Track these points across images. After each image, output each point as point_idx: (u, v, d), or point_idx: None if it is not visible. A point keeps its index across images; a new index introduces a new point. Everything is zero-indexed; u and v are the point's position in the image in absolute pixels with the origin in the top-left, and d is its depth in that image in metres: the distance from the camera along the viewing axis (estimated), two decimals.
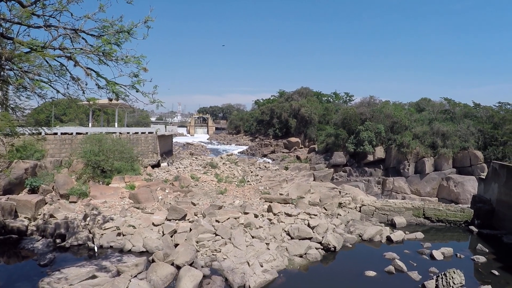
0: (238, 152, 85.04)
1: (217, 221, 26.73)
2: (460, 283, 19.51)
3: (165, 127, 68.37)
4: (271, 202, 31.82)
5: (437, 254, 24.52)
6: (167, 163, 55.79)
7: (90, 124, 59.08)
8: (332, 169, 57.87)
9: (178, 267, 19.63)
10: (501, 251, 26.20)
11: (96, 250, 22.74)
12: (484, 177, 35.09)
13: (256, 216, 28.74)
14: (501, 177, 31.08)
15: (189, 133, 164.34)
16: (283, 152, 77.04)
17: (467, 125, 55.72)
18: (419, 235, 28.54)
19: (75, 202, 29.91)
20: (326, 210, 32.16)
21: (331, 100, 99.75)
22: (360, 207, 33.53)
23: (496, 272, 22.25)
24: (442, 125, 55.32)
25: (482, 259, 24.38)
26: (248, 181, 42.55)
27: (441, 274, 20.13)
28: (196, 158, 61.13)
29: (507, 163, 35.09)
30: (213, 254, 21.92)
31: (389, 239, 27.50)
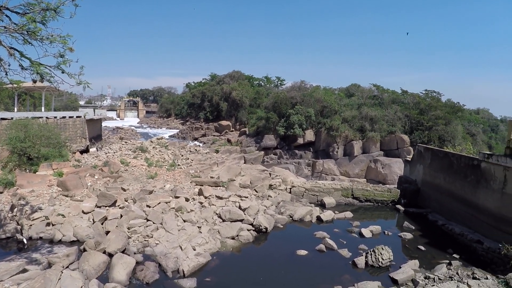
0: (169, 136, 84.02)
1: (148, 206, 25.95)
2: (389, 258, 20.08)
3: (94, 111, 66.08)
4: (202, 186, 31.32)
5: (366, 232, 24.95)
6: (96, 148, 53.99)
7: (15, 109, 56.43)
8: (262, 152, 57.91)
9: (110, 255, 18.82)
10: (426, 228, 27.11)
11: (25, 242, 21.24)
12: (410, 159, 36.04)
13: (187, 199, 28.18)
14: (425, 159, 32.06)
15: (119, 117, 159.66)
16: (214, 136, 76.42)
17: (395, 111, 57.58)
18: (348, 214, 28.99)
19: (1, 193, 27.84)
20: (257, 192, 32.01)
21: (262, 84, 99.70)
22: (290, 188, 33.69)
23: (422, 248, 23.00)
24: (371, 110, 56.71)
25: (408, 235, 25.07)
26: (178, 165, 41.81)
27: (370, 251, 20.57)
28: (125, 142, 59.30)
29: (432, 147, 36.30)
30: (145, 240, 21.26)
31: (319, 219, 27.71)
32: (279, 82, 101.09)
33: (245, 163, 50.68)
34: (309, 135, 57.69)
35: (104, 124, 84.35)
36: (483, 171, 24.71)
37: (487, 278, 17.33)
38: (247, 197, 29.73)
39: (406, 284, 17.86)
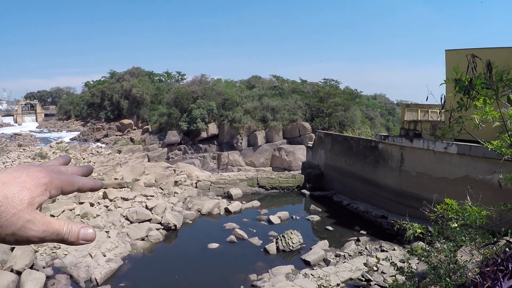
0: (70, 139, 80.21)
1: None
2: (299, 242, 20.48)
3: None
4: (106, 188, 30.07)
5: (274, 219, 25.21)
6: None
7: None
8: (166, 149, 56.78)
9: (19, 273, 17.41)
10: (333, 209, 27.89)
11: None
12: (311, 145, 36.80)
13: (92, 204, 26.89)
14: (326, 144, 32.97)
15: (16, 122, 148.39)
16: (116, 135, 73.73)
17: (295, 100, 58.74)
18: (256, 203, 29.14)
19: None
20: (162, 190, 31.43)
21: (163, 79, 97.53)
22: (196, 183, 33.32)
23: (330, 228, 23.62)
24: (272, 100, 57.41)
25: (316, 218, 25.59)
26: None
27: (280, 237, 20.78)
28: (24, 149, 55.75)
29: (332, 132, 37.46)
30: (53, 252, 19.95)
31: (227, 210, 27.64)
32: (180, 77, 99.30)
33: (149, 161, 49.41)
34: (212, 128, 57.38)
35: (0, 131, 78.27)
36: (381, 151, 25.75)
37: (394, 250, 18.19)
38: (153, 196, 29.00)
39: (318, 264, 18.18)
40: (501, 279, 2.47)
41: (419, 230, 6.95)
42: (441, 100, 5.78)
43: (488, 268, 2.77)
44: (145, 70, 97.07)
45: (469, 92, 4.72)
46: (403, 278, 10.50)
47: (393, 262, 7.86)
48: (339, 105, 55.92)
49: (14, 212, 0.91)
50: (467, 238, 5.35)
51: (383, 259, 13.49)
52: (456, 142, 18.71)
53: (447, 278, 5.10)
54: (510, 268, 2.55)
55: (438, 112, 19.02)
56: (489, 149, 5.33)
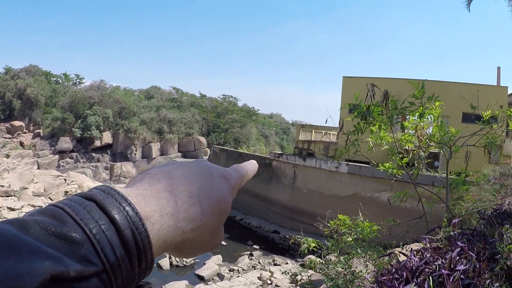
0: None
1: None
2: (193, 259, 20.09)
3: None
4: None
5: None
6: None
7: None
8: (57, 156, 54.23)
9: None
10: (225, 223, 26.39)
11: None
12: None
13: None
14: (221, 159, 33.42)
15: None
16: (5, 138, 68.49)
17: (193, 114, 58.88)
18: None
19: None
20: (52, 200, 29.98)
21: (60, 81, 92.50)
22: None
23: (223, 243, 23.49)
24: (169, 112, 57.12)
25: None
26: None
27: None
28: None
29: (227, 148, 38.16)
30: None
31: None
32: (78, 80, 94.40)
33: (38, 168, 47.16)
34: (107, 137, 55.70)
35: None
36: (274, 168, 26.61)
37: (287, 263, 18.83)
38: (41, 207, 27.23)
39: (212, 279, 18.27)
40: (397, 286, 2.78)
41: (313, 244, 7.37)
42: (339, 124, 6.22)
43: (385, 277, 3.10)
44: (42, 69, 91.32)
45: (366, 118, 5.17)
46: None
47: (293, 274, 8.22)
48: (236, 121, 56.89)
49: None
50: (361, 251, 5.80)
51: (282, 273, 13.87)
52: (345, 163, 19.98)
53: None
54: (404, 276, 2.86)
55: (337, 134, 20.30)
56: (381, 170, 5.84)
